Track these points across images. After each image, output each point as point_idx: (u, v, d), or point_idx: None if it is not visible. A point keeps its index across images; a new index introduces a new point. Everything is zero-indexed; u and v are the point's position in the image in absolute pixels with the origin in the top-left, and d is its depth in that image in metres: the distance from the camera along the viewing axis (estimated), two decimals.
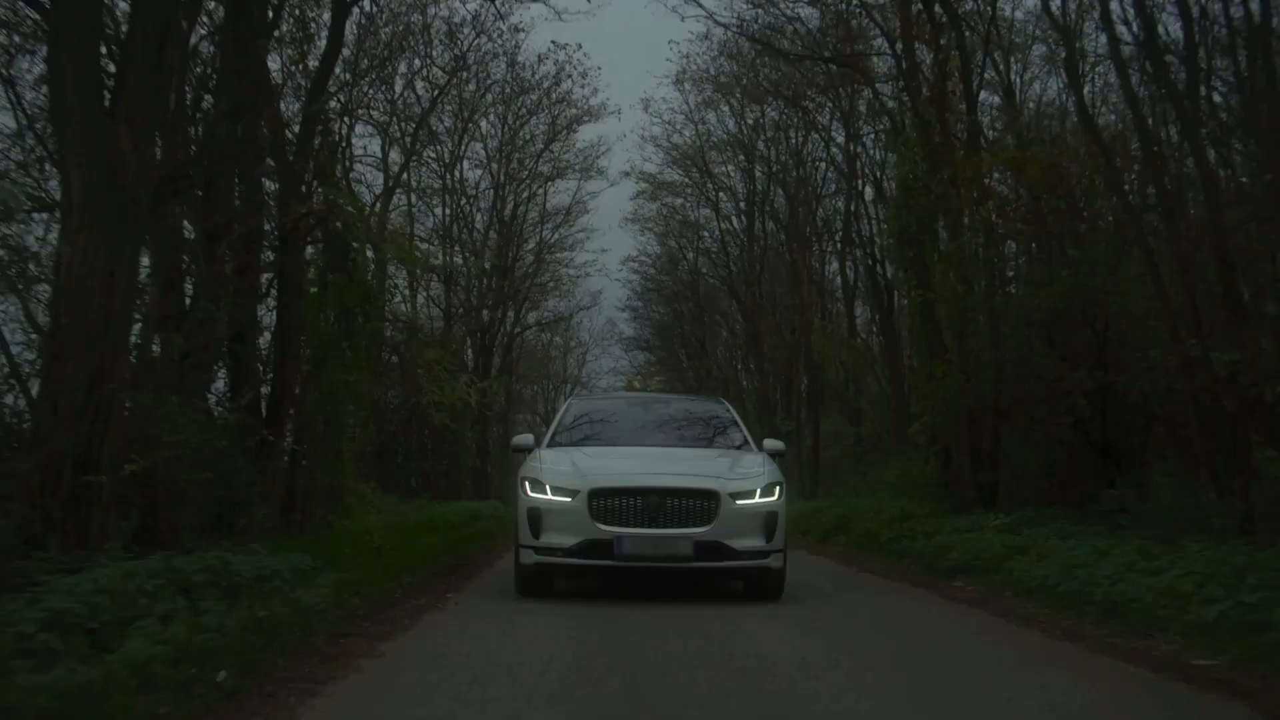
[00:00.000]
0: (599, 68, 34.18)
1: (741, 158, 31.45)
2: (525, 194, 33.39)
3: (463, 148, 31.16)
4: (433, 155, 29.85)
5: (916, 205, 14.14)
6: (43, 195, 9.42)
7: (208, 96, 10.81)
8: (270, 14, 11.69)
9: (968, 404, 13.47)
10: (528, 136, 32.43)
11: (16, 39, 9.08)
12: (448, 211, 30.95)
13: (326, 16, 13.36)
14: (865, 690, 4.95)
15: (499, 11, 17.28)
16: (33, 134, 9.17)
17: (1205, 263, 9.62)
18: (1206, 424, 9.49)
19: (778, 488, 8.83)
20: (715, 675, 5.16)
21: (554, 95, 30.58)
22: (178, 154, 8.52)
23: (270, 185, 12.32)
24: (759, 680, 5.09)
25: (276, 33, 11.69)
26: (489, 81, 29.34)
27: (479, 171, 32.71)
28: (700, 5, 17.57)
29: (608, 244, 37.79)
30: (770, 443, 9.90)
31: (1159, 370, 10.53)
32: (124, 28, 8.65)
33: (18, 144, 9.30)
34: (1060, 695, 4.89)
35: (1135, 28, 10.48)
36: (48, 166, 9.46)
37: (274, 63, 13.26)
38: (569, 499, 8.51)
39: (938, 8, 14.41)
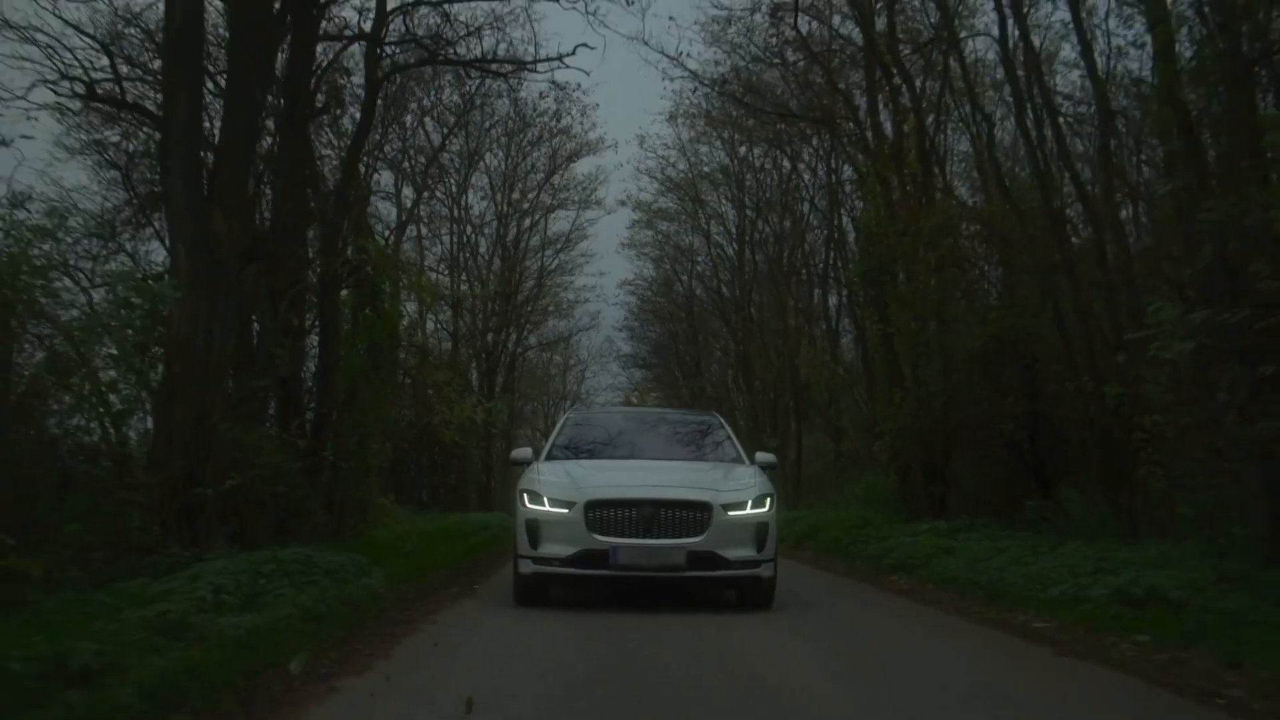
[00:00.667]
0: (597, 105, 36.07)
1: (733, 188, 33.42)
2: (527, 222, 35.46)
3: (469, 179, 33.19)
4: (441, 189, 31.82)
5: (875, 251, 16.10)
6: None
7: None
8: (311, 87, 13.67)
9: (921, 427, 15.38)
10: (529, 168, 34.41)
11: (126, 132, 11.01)
12: (455, 240, 32.99)
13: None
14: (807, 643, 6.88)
15: (511, 86, 18.97)
16: (135, 204, 11.11)
17: (1100, 311, 11.57)
18: (1101, 447, 11.42)
19: (768, 499, 9.03)
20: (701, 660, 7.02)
21: (554, 129, 32.53)
22: (253, 229, 10.44)
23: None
24: (730, 655, 6.98)
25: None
26: (494, 117, 31.30)
27: (484, 201, 34.73)
28: (684, 67, 19.46)
29: (606, 267, 39.49)
30: (762, 456, 10.23)
31: (1070, 400, 12.45)
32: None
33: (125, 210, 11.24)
34: (938, 649, 6.82)
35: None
36: (140, 230, 11.41)
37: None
38: (566, 510, 8.70)
39: (895, 71, 16.43)
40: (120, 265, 10.66)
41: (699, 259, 37.77)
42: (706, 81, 20.23)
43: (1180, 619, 6.64)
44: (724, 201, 33.69)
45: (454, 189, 32.64)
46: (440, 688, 5.12)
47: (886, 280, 16.53)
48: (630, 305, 42.82)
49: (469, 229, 34.31)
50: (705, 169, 33.26)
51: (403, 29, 15.98)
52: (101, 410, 8.46)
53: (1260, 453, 7.77)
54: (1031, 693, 5.39)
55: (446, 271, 32.41)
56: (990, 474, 14.78)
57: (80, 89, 9.89)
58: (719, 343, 40.29)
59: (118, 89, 9.99)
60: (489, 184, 34.15)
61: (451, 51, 15.74)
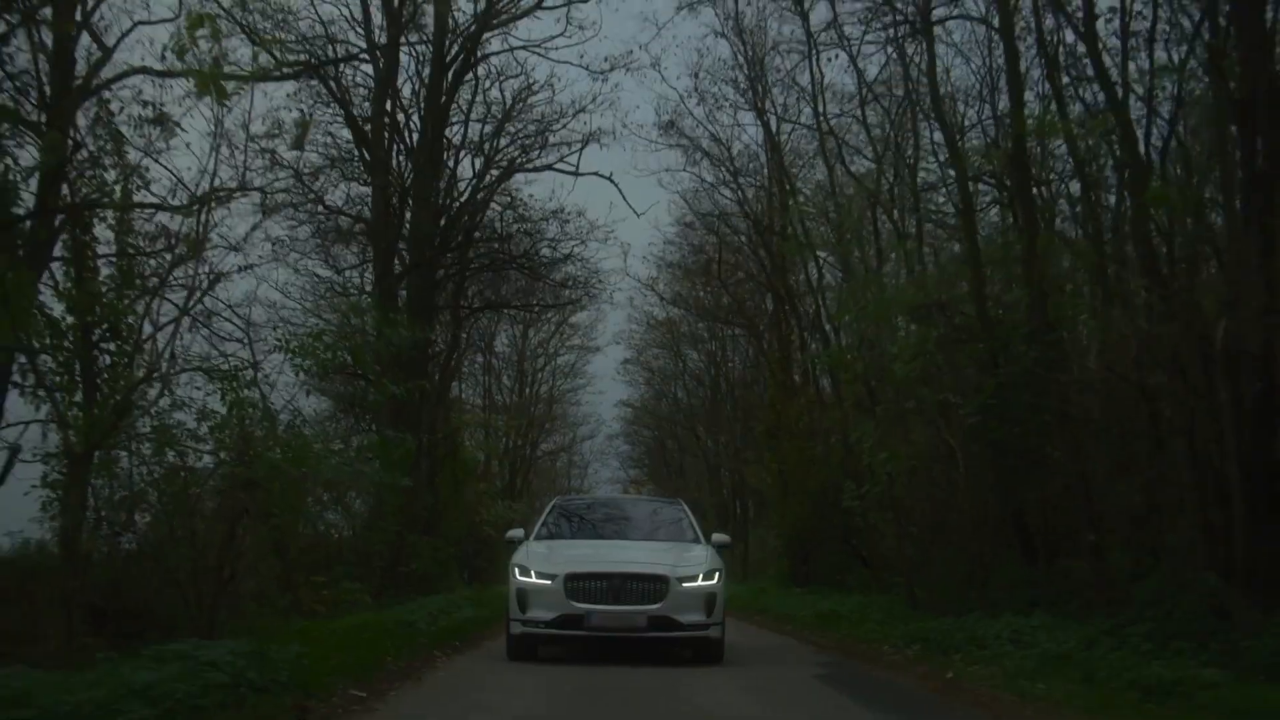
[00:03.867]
0: (599, 264, 45.30)
1: (704, 331, 42.82)
2: (541, 361, 45.03)
3: (498, 325, 42.65)
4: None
5: (768, 418, 25.55)
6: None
7: None
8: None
9: (797, 531, 24.68)
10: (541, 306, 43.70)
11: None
12: (487, 376, 42.39)
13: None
14: None
15: (531, 317, 28.59)
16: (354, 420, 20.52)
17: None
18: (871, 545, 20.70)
19: (717, 573, 10.58)
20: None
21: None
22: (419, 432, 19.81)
23: None
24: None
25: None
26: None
27: (504, 339, 44.10)
28: (656, 291, 29.24)
29: (604, 387, 48.39)
30: (718, 537, 12.13)
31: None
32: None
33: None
34: (750, 635, 15.97)
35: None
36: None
37: None
38: (549, 581, 10.17)
39: (786, 305, 26.01)
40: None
41: (679, 384, 47.15)
42: (668, 298, 30.19)
43: (839, 623, 15.85)
44: (698, 351, 42.76)
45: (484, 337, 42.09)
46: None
47: (780, 434, 25.94)
48: (626, 416, 52.15)
49: (496, 360, 43.81)
50: (682, 312, 42.68)
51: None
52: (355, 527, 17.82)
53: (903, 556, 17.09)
54: (765, 645, 14.61)
55: (480, 401, 41.80)
56: (834, 560, 23.98)
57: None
58: (699, 454, 49.43)
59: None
60: (511, 329, 43.56)
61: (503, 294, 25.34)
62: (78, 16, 12.18)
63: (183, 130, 11.67)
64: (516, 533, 12.17)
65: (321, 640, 9.19)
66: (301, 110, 19.05)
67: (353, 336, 12.73)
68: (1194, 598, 8.72)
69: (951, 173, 14.94)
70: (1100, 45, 11.29)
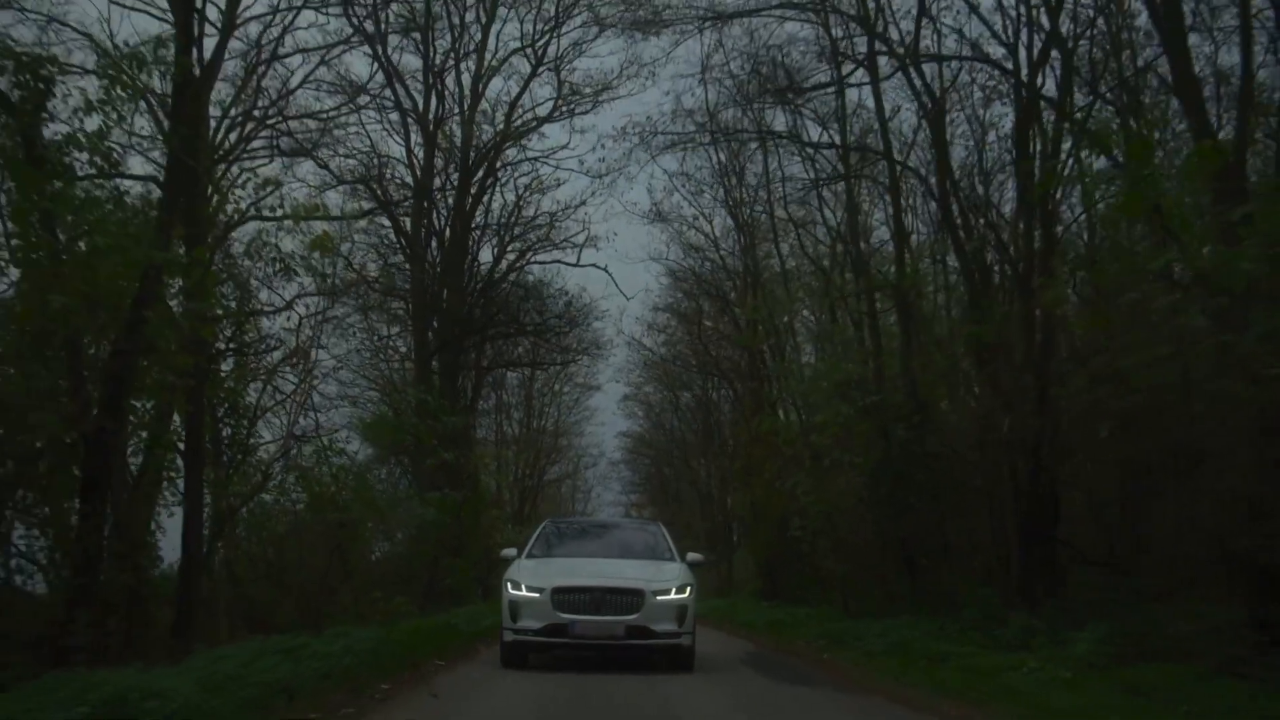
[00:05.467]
0: (605, 313, 49.79)
1: (695, 370, 47.25)
2: (547, 397, 49.50)
3: (505, 376, 47.11)
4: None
5: (743, 457, 30.03)
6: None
7: None
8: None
9: (767, 555, 29.12)
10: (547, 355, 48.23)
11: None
12: (500, 417, 46.83)
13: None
14: None
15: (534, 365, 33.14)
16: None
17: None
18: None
19: (689, 588, 11.42)
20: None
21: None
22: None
23: None
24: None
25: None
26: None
27: (514, 379, 48.55)
28: (644, 346, 33.70)
29: (605, 419, 52.75)
30: (692, 555, 12.96)
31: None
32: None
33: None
34: (717, 640, 20.37)
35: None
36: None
37: None
38: (537, 594, 11.02)
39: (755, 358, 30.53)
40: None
41: (674, 416, 51.53)
42: (657, 354, 34.74)
43: (783, 628, 20.25)
44: (689, 391, 47.15)
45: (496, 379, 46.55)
46: None
47: (753, 473, 30.39)
48: (626, 445, 56.55)
49: (506, 395, 48.27)
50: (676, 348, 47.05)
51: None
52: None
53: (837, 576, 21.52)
54: (722, 642, 19.02)
55: (492, 435, 46.24)
56: (795, 579, 28.38)
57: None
58: (692, 483, 53.77)
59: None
60: (520, 372, 47.98)
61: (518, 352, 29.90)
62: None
63: (297, 272, 16.12)
64: (510, 551, 13.26)
65: (405, 633, 13.62)
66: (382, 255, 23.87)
67: (412, 419, 17.18)
68: (986, 604, 13.18)
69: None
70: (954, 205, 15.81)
